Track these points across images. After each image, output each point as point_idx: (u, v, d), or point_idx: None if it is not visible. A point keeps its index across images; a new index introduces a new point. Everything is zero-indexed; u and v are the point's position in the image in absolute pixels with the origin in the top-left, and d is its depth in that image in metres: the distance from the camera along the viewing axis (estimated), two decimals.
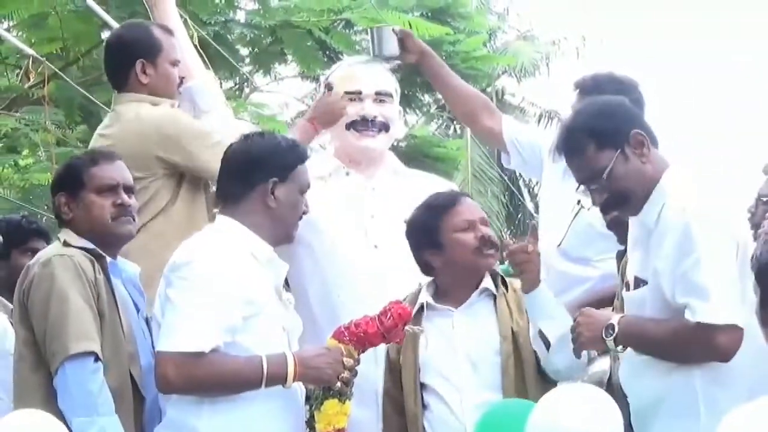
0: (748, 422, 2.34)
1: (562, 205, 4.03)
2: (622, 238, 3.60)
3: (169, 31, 4.19)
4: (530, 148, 4.36)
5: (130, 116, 4.02)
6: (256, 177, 3.44)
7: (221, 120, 4.20)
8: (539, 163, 4.32)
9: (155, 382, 3.34)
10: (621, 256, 3.68)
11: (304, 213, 3.52)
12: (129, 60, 4.10)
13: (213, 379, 3.26)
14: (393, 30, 4.21)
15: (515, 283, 3.73)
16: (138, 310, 3.59)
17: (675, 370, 3.27)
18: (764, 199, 4.04)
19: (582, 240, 4.11)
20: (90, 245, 3.50)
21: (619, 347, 3.33)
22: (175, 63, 4.13)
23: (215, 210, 3.63)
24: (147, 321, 3.58)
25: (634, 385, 3.37)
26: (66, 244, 3.50)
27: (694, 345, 3.18)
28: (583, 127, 3.34)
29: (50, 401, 3.29)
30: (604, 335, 3.31)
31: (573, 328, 3.41)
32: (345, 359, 3.39)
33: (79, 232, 3.53)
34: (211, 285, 3.27)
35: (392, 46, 4.26)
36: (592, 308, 3.49)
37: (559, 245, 4.11)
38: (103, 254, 3.50)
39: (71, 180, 3.59)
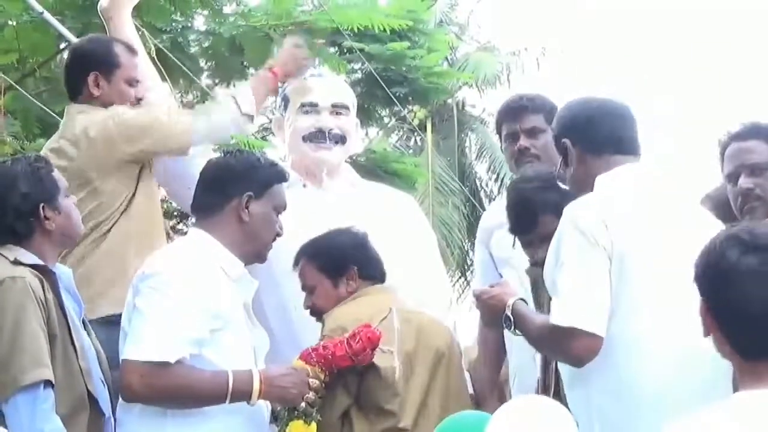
0: None
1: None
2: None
3: (132, 51, 4.18)
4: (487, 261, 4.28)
5: (80, 127, 4.00)
6: (232, 190, 3.45)
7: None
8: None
9: (120, 389, 3.32)
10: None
11: (278, 235, 3.52)
12: (84, 71, 4.10)
13: (177, 390, 3.25)
14: None
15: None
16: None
17: (576, 384, 3.27)
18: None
19: None
20: (41, 262, 3.37)
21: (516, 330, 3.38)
22: (131, 82, 4.12)
23: (190, 222, 3.64)
24: (84, 323, 3.51)
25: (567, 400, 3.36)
26: (16, 262, 3.34)
27: (552, 345, 3.23)
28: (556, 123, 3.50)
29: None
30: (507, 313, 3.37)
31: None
32: (311, 380, 3.39)
33: (53, 242, 3.43)
34: (179, 296, 3.27)
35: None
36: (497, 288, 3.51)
37: None
38: (53, 270, 3.40)
39: (48, 187, 3.43)
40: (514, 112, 4.18)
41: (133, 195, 3.98)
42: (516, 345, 3.97)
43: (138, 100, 4.13)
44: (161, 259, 3.41)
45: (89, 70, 4.09)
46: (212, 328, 3.29)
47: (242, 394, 3.30)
